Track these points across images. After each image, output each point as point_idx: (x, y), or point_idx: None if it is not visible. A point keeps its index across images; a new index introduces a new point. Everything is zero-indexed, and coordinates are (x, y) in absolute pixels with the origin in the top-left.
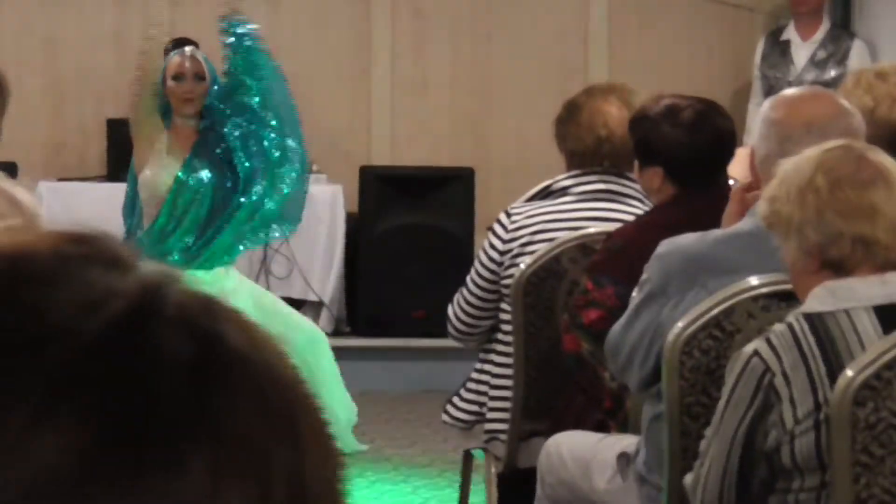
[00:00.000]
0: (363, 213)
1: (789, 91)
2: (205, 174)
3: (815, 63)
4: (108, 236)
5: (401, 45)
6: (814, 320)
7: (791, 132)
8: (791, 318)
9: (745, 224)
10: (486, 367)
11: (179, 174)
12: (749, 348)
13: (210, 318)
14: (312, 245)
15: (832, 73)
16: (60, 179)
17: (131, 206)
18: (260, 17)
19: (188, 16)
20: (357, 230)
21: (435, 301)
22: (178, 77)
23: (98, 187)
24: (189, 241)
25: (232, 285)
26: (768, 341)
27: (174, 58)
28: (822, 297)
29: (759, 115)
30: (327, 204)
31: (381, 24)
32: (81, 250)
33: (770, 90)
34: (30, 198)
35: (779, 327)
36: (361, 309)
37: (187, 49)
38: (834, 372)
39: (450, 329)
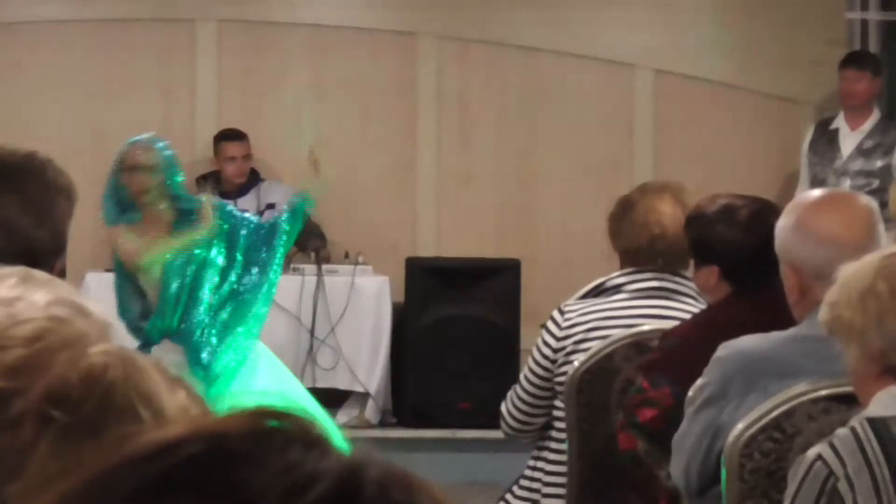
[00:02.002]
0: (409, 304)
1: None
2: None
3: (862, 152)
4: (301, 412)
5: (446, 136)
6: (877, 425)
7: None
8: (854, 422)
9: (805, 327)
10: (540, 464)
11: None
12: (812, 452)
13: (407, 493)
14: (358, 336)
15: (878, 162)
16: (108, 270)
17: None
18: (305, 108)
19: (235, 107)
20: (403, 321)
21: (480, 392)
22: (132, 169)
23: None
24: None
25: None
26: (832, 445)
27: (127, 149)
28: (885, 402)
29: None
30: (373, 295)
31: (426, 115)
32: (279, 429)
33: (815, 178)
34: (100, 308)
35: (842, 432)
36: (407, 400)
37: (142, 137)
38: None
39: (503, 426)
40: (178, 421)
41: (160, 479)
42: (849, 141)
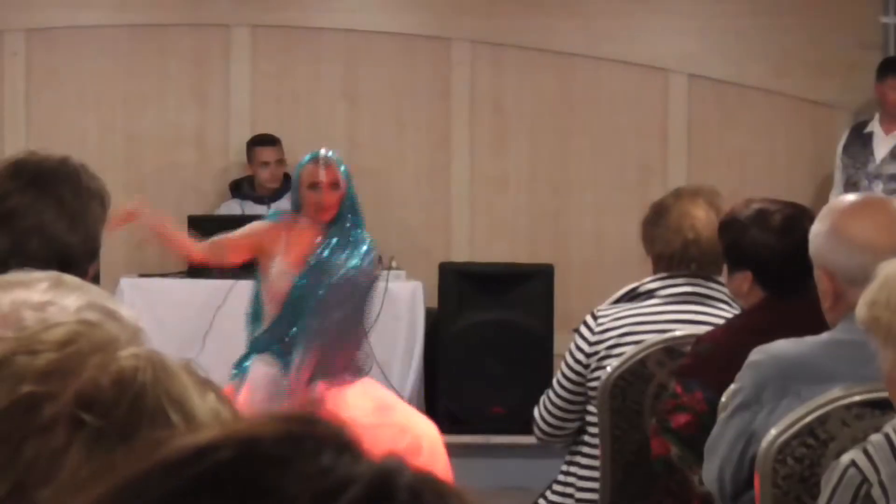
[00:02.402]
0: (442, 309)
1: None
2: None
3: (895, 155)
4: (333, 417)
5: (480, 141)
6: None
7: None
8: (888, 428)
9: (839, 331)
10: (573, 469)
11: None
12: (846, 458)
13: (439, 498)
14: (392, 341)
15: None
16: (141, 276)
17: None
18: (339, 113)
19: (269, 112)
20: (436, 326)
21: (514, 397)
22: (313, 186)
23: (178, 283)
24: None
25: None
26: (865, 452)
27: (308, 165)
28: None
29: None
30: (407, 300)
31: (460, 120)
32: (311, 433)
33: (848, 181)
34: (131, 313)
35: (876, 438)
36: (441, 405)
37: (322, 154)
38: None
39: (536, 431)
40: (210, 426)
41: (192, 484)
42: (883, 144)
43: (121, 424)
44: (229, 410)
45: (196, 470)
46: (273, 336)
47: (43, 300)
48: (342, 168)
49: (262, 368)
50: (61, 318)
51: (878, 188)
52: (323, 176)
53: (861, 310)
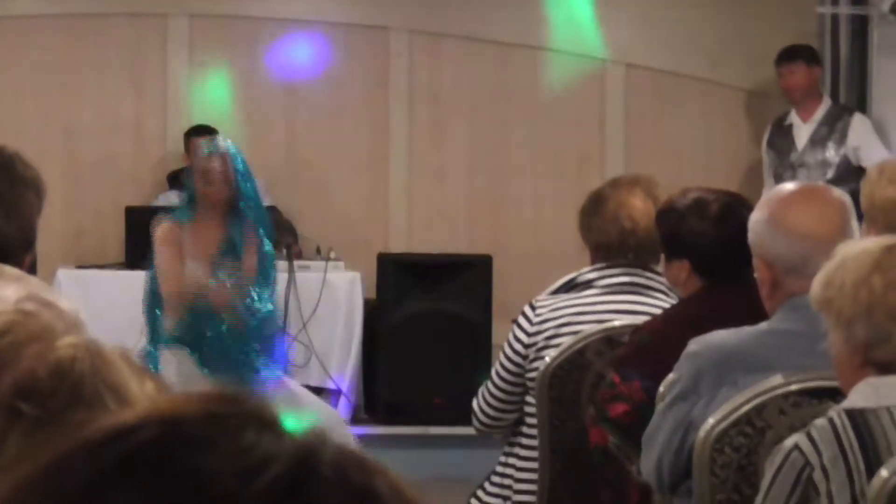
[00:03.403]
0: (381, 299)
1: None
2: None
3: (814, 142)
4: (254, 395)
5: (418, 131)
6: (855, 416)
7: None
8: (833, 412)
9: (776, 321)
10: (511, 459)
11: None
12: (790, 442)
13: (362, 474)
14: (330, 332)
15: (831, 151)
16: (79, 267)
17: (153, 299)
18: (277, 104)
19: (206, 102)
20: (375, 317)
21: (453, 388)
22: (205, 177)
23: (117, 275)
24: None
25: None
26: (809, 435)
27: (203, 159)
28: (865, 394)
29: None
30: (345, 291)
31: (398, 110)
32: (232, 411)
33: (775, 174)
34: (70, 304)
35: (820, 422)
36: (379, 396)
37: (217, 145)
38: (873, 468)
39: (475, 422)
40: (133, 407)
41: (115, 464)
42: (802, 133)
43: (58, 413)
44: (166, 397)
45: (118, 450)
46: (186, 332)
47: None
48: (238, 160)
49: (173, 363)
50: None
51: (803, 177)
52: (218, 167)
53: (815, 289)
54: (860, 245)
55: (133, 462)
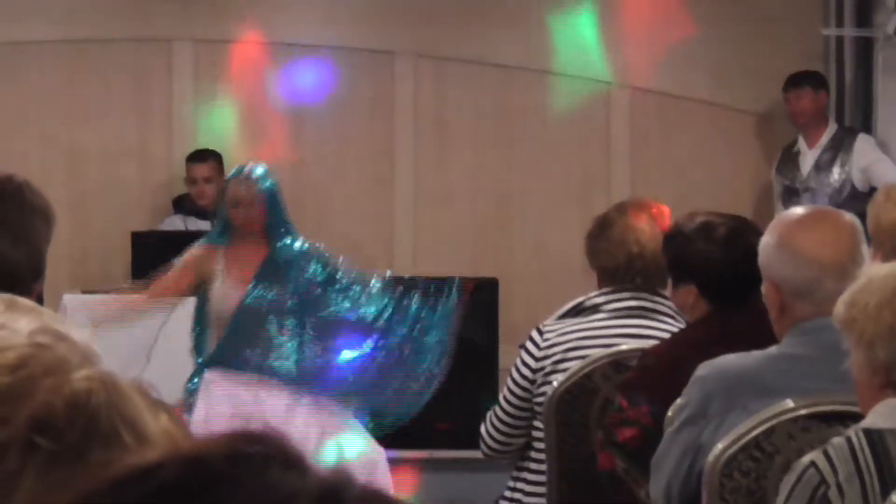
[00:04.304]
0: None
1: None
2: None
3: (819, 167)
4: (278, 434)
5: (423, 155)
6: (873, 436)
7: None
8: (850, 431)
9: (785, 345)
10: (520, 484)
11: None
12: (806, 459)
13: None
14: None
15: (835, 175)
16: (84, 291)
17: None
18: (282, 128)
19: (211, 127)
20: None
21: (459, 412)
22: (234, 203)
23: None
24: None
25: None
26: (825, 453)
27: (231, 184)
28: (884, 415)
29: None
30: None
31: (403, 134)
32: (257, 450)
33: (782, 199)
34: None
35: (837, 440)
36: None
37: (244, 170)
38: (888, 489)
39: (482, 447)
40: (158, 446)
41: (140, 503)
42: (808, 158)
43: (75, 447)
44: (181, 431)
45: (142, 489)
46: (226, 351)
47: None
48: (267, 183)
49: (220, 384)
50: (14, 341)
51: (807, 202)
52: (244, 192)
53: (839, 308)
54: (887, 267)
55: (158, 500)
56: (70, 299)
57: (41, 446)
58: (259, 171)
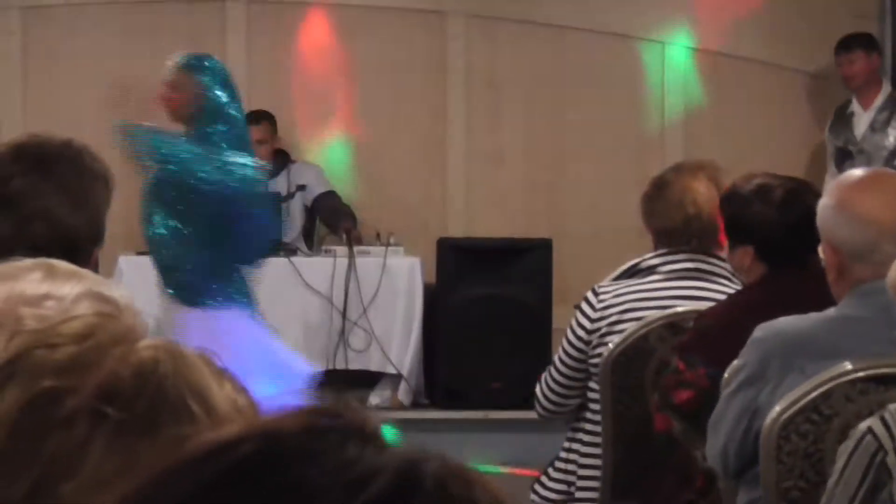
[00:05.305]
0: (441, 284)
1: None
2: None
3: (874, 129)
4: (356, 407)
5: (476, 115)
6: None
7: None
8: None
9: (843, 307)
10: (575, 445)
11: None
12: (863, 425)
13: (465, 487)
14: (390, 317)
15: (891, 137)
16: (139, 253)
17: None
18: (335, 88)
19: (265, 88)
20: (434, 301)
21: (513, 372)
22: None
23: None
24: None
25: None
26: (882, 419)
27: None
28: None
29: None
30: (405, 276)
31: (455, 94)
32: (334, 425)
33: (837, 161)
34: (126, 296)
35: (894, 406)
36: (440, 381)
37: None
38: None
39: (537, 407)
40: (233, 420)
41: (218, 480)
42: (862, 120)
43: (142, 416)
44: (245, 399)
45: (220, 466)
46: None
47: (38, 293)
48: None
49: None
50: (59, 309)
51: (862, 164)
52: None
53: (892, 273)
54: None
55: (237, 476)
56: (125, 261)
57: (109, 416)
58: (211, 63)
